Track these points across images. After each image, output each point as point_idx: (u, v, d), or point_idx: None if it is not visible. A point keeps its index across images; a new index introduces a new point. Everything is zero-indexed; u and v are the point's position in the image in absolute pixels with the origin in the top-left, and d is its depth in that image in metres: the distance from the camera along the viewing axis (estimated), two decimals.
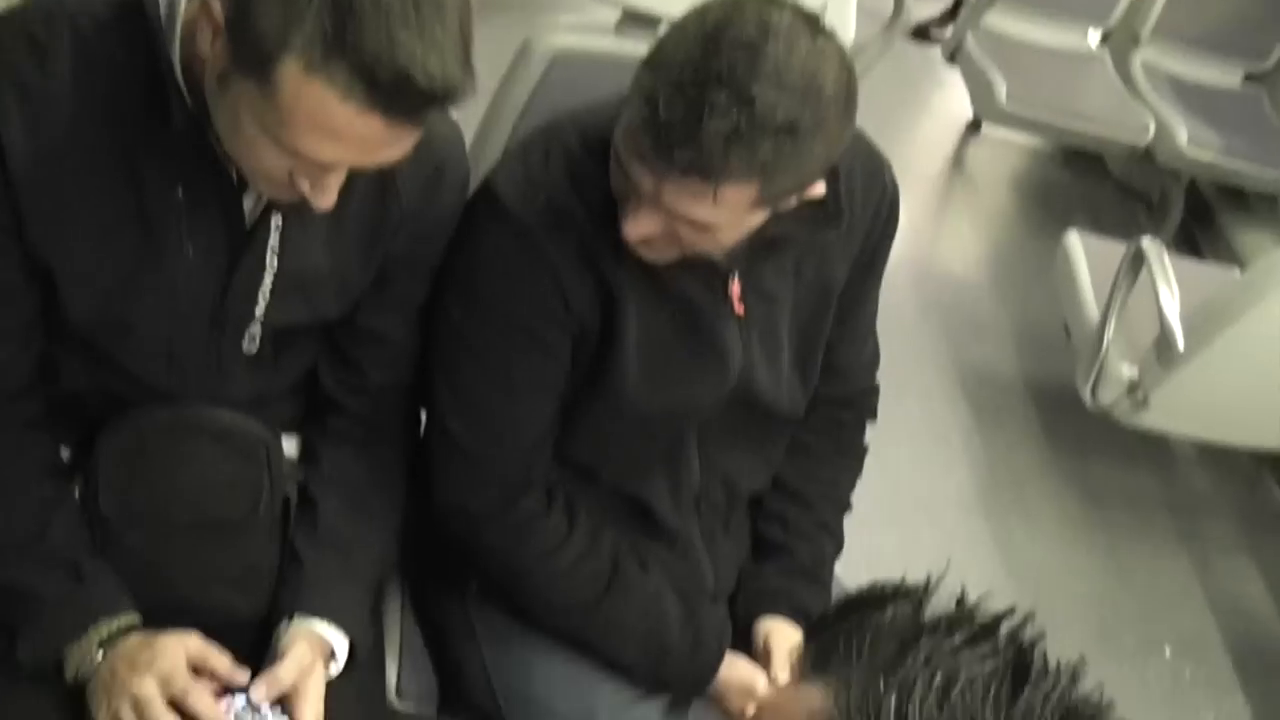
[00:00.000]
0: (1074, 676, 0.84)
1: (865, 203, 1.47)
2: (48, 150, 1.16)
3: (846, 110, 1.21)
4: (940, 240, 3.83)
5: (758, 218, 1.27)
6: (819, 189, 1.30)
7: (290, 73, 1.02)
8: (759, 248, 1.37)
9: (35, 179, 1.16)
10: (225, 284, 1.26)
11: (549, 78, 1.62)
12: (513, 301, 1.35)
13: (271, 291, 1.28)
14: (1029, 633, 0.86)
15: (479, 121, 1.68)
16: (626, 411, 1.41)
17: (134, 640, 1.24)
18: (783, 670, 1.45)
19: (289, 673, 1.26)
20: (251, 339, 1.31)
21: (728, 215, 1.22)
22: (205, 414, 1.34)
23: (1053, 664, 0.85)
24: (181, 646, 1.23)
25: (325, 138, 1.05)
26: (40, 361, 1.29)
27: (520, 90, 1.64)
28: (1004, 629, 0.86)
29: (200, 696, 1.21)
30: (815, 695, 0.86)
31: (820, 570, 1.59)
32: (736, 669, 1.47)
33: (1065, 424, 3.20)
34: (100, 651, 1.23)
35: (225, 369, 1.33)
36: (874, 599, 0.90)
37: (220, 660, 1.25)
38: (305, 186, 1.12)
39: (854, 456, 1.68)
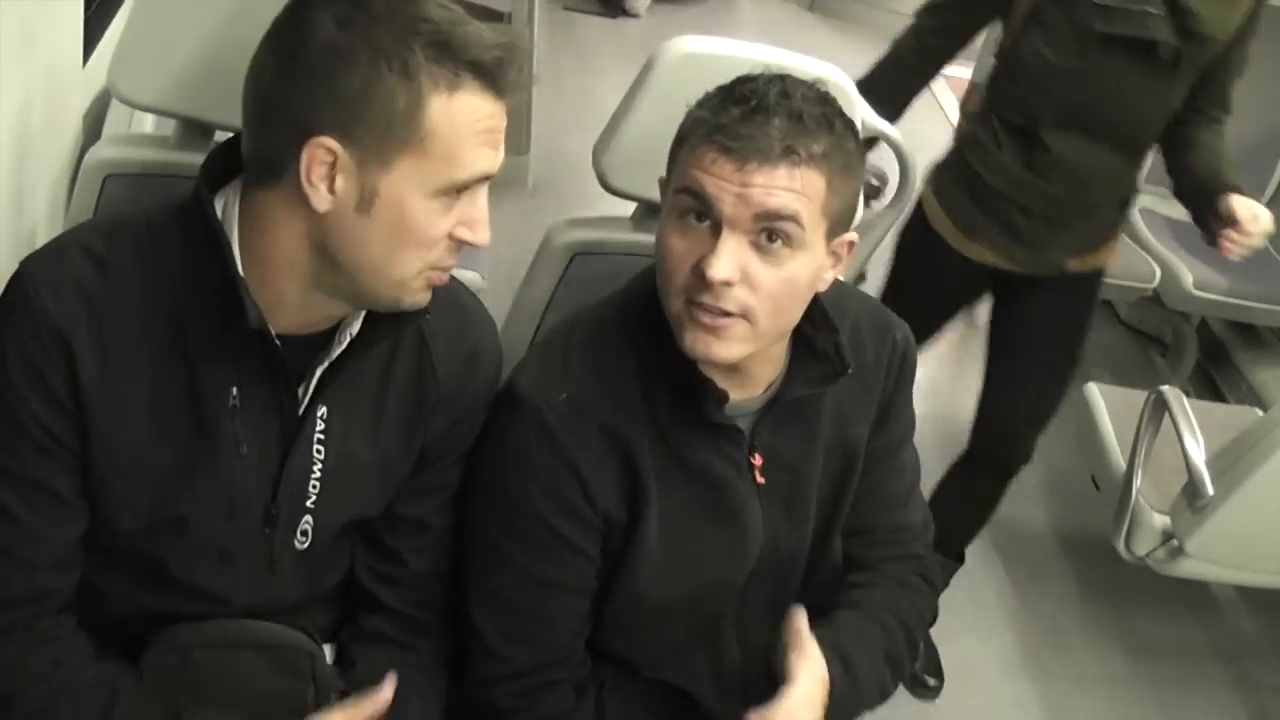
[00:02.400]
0: None
1: (877, 359, 1.49)
2: (113, 362, 1.19)
3: (858, 150, 1.32)
4: (959, 396, 3.82)
5: (821, 248, 1.30)
6: (851, 240, 1.35)
7: (438, 107, 1.14)
8: (777, 414, 1.40)
9: (101, 390, 1.19)
10: (277, 478, 1.28)
11: (570, 272, 1.66)
12: (537, 501, 1.35)
13: (321, 482, 1.30)
14: None
15: (503, 317, 1.71)
16: (654, 596, 1.41)
17: None
18: None
19: None
20: (303, 535, 1.32)
21: (807, 210, 1.26)
22: (249, 627, 1.33)
23: None
24: None
25: (484, 143, 1.17)
26: (81, 587, 1.29)
27: (543, 285, 1.68)
28: None
29: None
30: None
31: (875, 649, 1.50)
32: None
33: (1102, 576, 3.16)
34: None
35: (277, 569, 1.33)
36: None
37: None
38: (466, 235, 1.20)
39: (914, 588, 1.58)
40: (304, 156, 1.13)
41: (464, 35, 1.14)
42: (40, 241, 1.24)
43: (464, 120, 1.15)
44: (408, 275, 1.19)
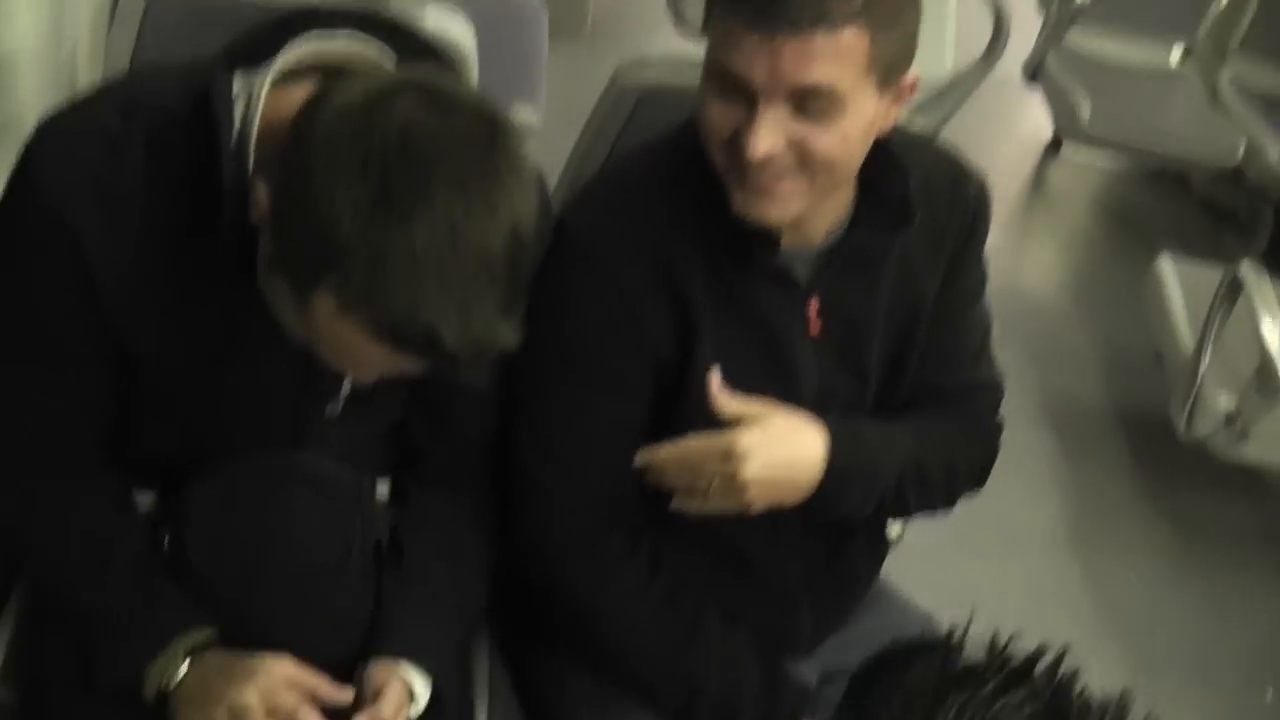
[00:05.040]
0: (1121, 712, 0.80)
1: (949, 212, 1.42)
2: (127, 244, 1.16)
3: None
4: (1022, 264, 3.76)
5: (872, 100, 1.22)
6: (914, 80, 1.26)
7: (323, 305, 1.04)
8: (838, 262, 1.35)
9: (116, 274, 1.16)
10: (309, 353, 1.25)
11: (637, 115, 1.59)
12: (590, 340, 1.33)
13: None
14: (1066, 669, 0.82)
15: (561, 162, 1.66)
16: None
17: (224, 654, 1.23)
18: None
19: (390, 708, 1.24)
20: (339, 400, 1.30)
21: (848, 75, 1.17)
22: (297, 460, 1.32)
23: (1096, 700, 0.80)
24: (280, 665, 1.21)
25: (358, 364, 1.13)
26: (118, 424, 1.29)
27: (608, 128, 1.62)
28: (1039, 670, 0.82)
29: (309, 714, 1.19)
30: None
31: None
32: None
33: (1156, 454, 3.11)
34: (186, 663, 1.21)
35: (314, 430, 1.31)
36: (900, 656, 0.86)
37: (320, 681, 1.23)
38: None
39: (979, 431, 1.53)
40: None
41: (403, 295, 1.02)
42: (81, 77, 1.19)
43: (341, 336, 1.08)
44: None
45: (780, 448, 1.31)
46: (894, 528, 1.65)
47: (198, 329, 1.22)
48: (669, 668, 1.40)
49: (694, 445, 1.31)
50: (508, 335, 1.07)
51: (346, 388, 1.30)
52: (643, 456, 1.34)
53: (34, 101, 1.33)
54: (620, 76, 1.60)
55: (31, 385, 1.23)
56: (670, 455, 1.32)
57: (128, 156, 1.16)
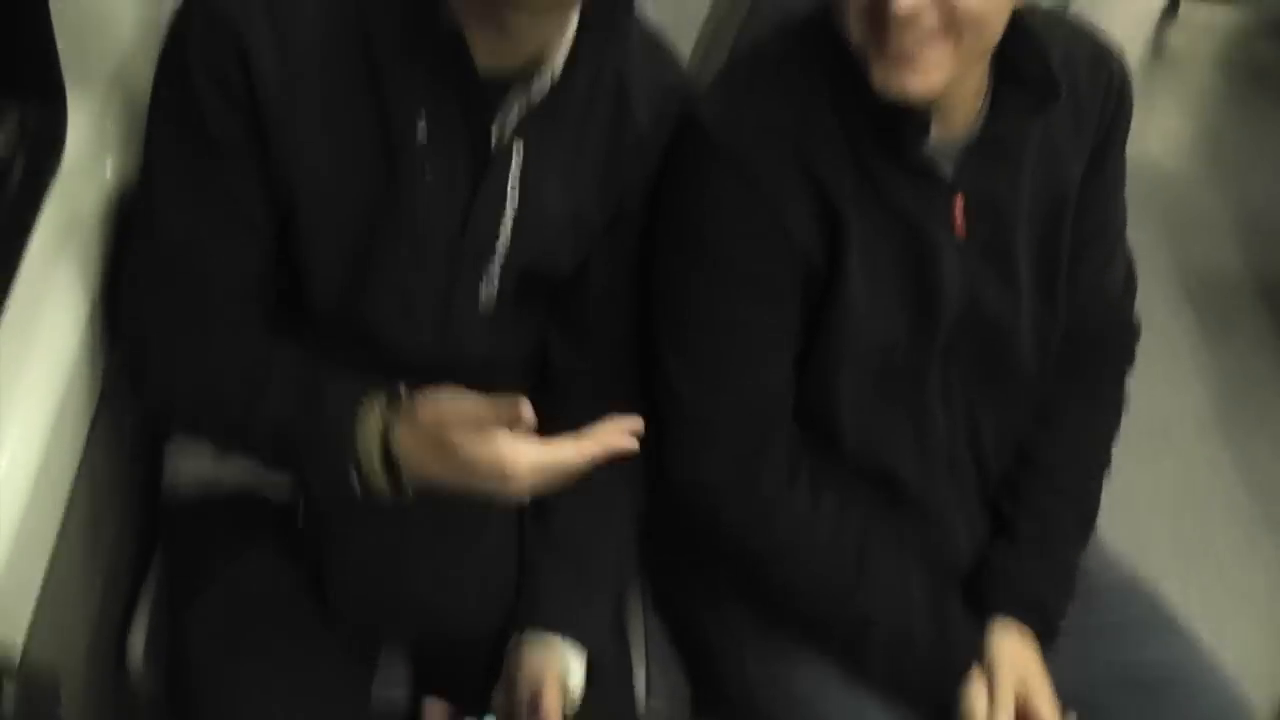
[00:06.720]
0: None
1: (1091, 91, 1.34)
2: (296, 72, 1.14)
3: None
4: (1147, 132, 3.57)
5: None
6: None
7: None
8: (981, 154, 1.28)
9: (283, 102, 1.14)
10: (465, 217, 1.21)
11: (757, 6, 1.51)
12: (735, 246, 1.26)
13: (512, 229, 1.23)
14: None
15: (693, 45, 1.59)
16: (859, 351, 1.31)
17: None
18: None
19: (525, 692, 1.20)
20: (490, 282, 1.25)
21: None
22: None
23: None
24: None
25: None
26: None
27: (728, 23, 1.54)
28: None
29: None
30: None
31: (1054, 546, 1.43)
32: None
33: None
34: (388, 409, 1.13)
35: (460, 321, 1.26)
36: None
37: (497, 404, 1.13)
38: None
39: (1106, 406, 1.52)
40: None
41: None
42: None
43: None
44: None
45: None
46: None
47: (359, 164, 1.18)
48: (839, 603, 1.33)
49: None
50: None
51: (495, 278, 1.25)
52: None
53: (133, 49, 1.31)
54: None
55: (192, 209, 1.18)
56: None
57: None
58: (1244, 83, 3.91)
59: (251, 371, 1.19)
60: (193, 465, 1.35)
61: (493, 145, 1.20)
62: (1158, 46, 4.03)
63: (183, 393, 1.22)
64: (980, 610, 1.38)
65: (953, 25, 1.13)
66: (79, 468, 1.21)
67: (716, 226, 1.26)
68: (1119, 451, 1.48)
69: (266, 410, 1.17)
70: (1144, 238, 3.16)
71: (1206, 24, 4.08)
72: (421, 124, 1.16)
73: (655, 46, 1.31)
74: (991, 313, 1.34)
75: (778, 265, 1.27)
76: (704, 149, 1.26)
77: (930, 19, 1.12)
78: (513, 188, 1.22)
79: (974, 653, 1.33)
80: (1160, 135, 3.59)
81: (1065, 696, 1.34)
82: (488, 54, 1.15)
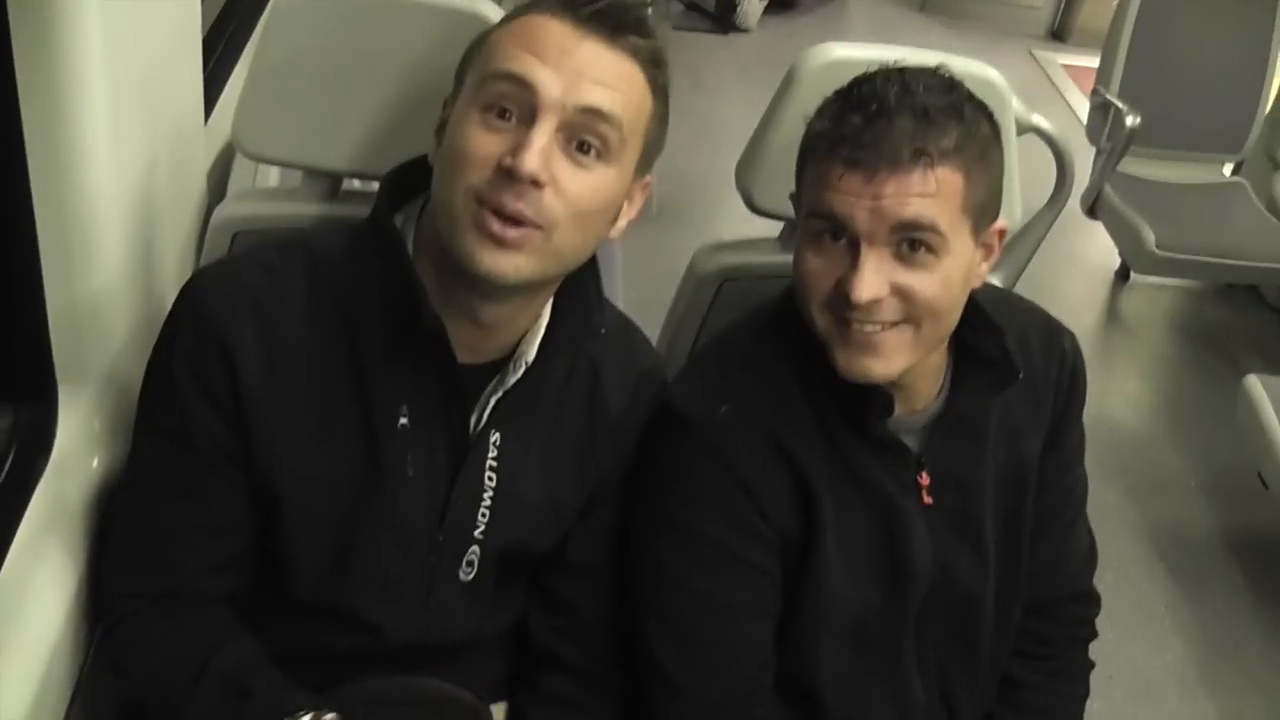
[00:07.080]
0: None
1: (1046, 370, 1.40)
2: (282, 369, 1.17)
3: (994, 132, 1.23)
4: (1108, 395, 3.67)
5: (968, 245, 1.22)
6: (1001, 228, 1.27)
7: (504, 28, 1.16)
8: (944, 430, 1.32)
9: (268, 399, 1.17)
10: (445, 503, 1.24)
11: (720, 298, 1.59)
12: (709, 520, 1.29)
13: (490, 511, 1.26)
14: None
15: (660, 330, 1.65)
16: (837, 621, 1.34)
17: None
18: None
19: None
20: (469, 566, 1.27)
21: (946, 213, 1.17)
22: (412, 683, 1.28)
23: None
24: None
25: (526, 49, 1.11)
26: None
27: (693, 313, 1.61)
28: None
29: None
30: None
31: None
32: None
33: (1276, 579, 2.98)
34: None
35: (441, 601, 1.28)
36: None
37: None
38: (508, 161, 1.10)
39: (1070, 676, 1.54)
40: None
41: None
42: (169, 304, 1.21)
43: (519, 31, 1.14)
44: (455, 203, 1.13)
45: None
46: None
47: (342, 458, 1.21)
48: None
49: None
50: None
51: (475, 559, 1.28)
52: None
53: (124, 350, 1.34)
54: (698, 262, 1.59)
55: (168, 488, 1.22)
56: None
57: (288, 283, 1.19)
58: (1196, 344, 4.02)
59: (193, 664, 1.20)
60: None
61: (471, 433, 1.24)
62: (1112, 311, 4.17)
63: (136, 676, 1.24)
64: None
65: (912, 314, 1.20)
66: None
67: (694, 510, 1.30)
68: (1101, 706, 1.49)
69: (196, 705, 1.18)
70: (1112, 498, 3.24)
71: (1158, 287, 4.21)
72: (403, 419, 1.20)
73: (628, 331, 1.37)
74: (962, 581, 1.37)
75: (752, 541, 1.30)
76: (679, 434, 1.30)
77: (890, 309, 1.19)
78: (489, 475, 1.25)
79: None
80: (1121, 397, 3.68)
81: None
82: (466, 349, 1.20)
